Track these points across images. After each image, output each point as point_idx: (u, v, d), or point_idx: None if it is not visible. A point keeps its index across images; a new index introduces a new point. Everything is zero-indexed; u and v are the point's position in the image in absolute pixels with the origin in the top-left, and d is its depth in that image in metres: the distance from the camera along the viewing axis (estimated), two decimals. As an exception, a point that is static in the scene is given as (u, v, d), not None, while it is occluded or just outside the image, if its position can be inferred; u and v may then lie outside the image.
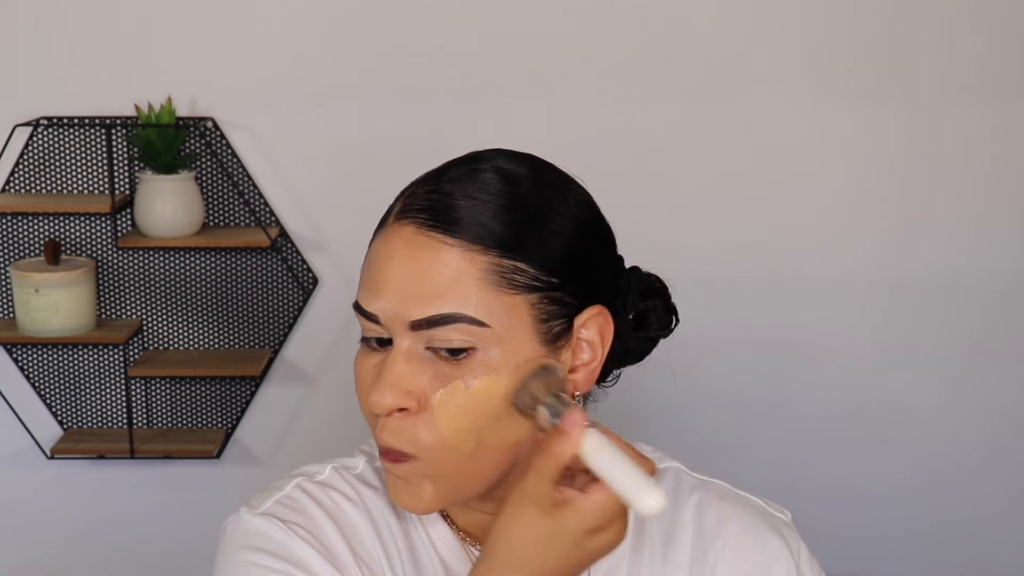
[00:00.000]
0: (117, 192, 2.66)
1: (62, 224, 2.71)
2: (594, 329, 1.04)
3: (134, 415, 2.79)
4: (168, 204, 2.59)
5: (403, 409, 0.99)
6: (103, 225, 2.71)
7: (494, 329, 0.98)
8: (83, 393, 2.80)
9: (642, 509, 0.86)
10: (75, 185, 2.69)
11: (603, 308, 1.04)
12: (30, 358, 2.78)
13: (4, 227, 2.71)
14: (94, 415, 2.81)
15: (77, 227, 2.72)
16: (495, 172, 1.03)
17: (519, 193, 1.02)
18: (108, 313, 2.76)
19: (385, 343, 1.02)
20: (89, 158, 2.69)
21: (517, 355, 0.99)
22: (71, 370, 2.79)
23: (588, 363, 1.04)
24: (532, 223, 1.01)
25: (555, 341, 1.02)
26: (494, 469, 1.02)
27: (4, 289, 2.73)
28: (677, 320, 1.13)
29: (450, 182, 1.02)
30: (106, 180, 2.68)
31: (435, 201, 1.00)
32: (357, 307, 1.03)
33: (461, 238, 0.99)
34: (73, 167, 2.69)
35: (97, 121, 2.62)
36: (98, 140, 2.67)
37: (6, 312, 2.75)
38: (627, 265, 1.11)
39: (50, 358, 2.78)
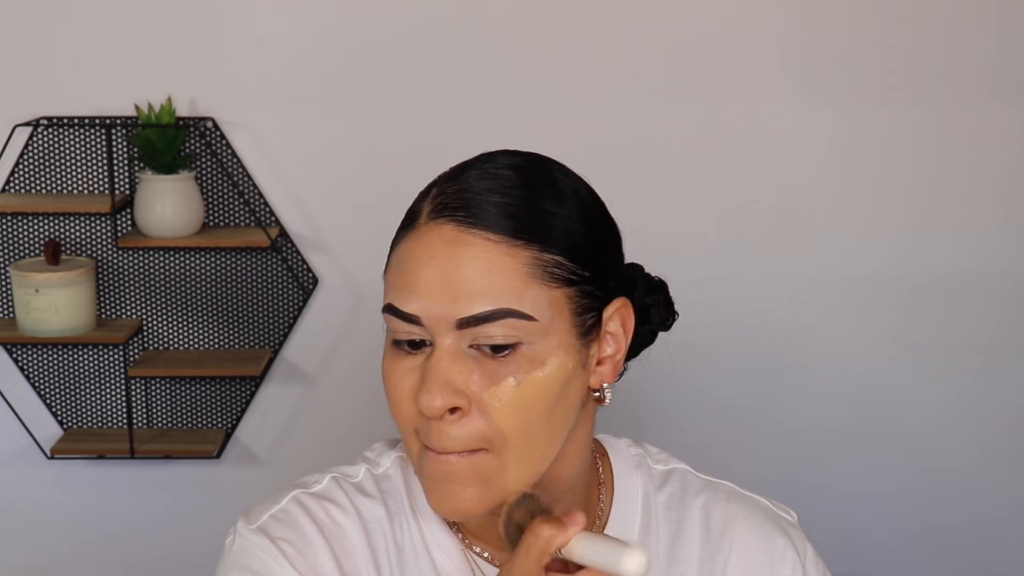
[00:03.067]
0: (117, 192, 2.66)
1: (62, 224, 2.71)
2: (618, 321, 1.06)
3: (134, 415, 2.79)
4: (168, 204, 2.58)
5: (455, 409, 0.99)
6: (103, 225, 2.71)
7: (540, 323, 0.99)
8: (83, 393, 2.80)
9: (626, 567, 0.89)
10: (75, 185, 2.69)
11: (626, 300, 1.06)
12: (30, 358, 2.77)
13: (4, 227, 2.71)
14: (94, 415, 2.81)
15: (77, 227, 2.72)
16: (513, 169, 1.04)
17: (546, 188, 1.03)
18: (108, 313, 2.76)
19: (418, 345, 1.01)
20: (89, 158, 2.68)
21: (560, 347, 1.00)
22: (71, 370, 2.79)
23: (613, 355, 1.06)
24: (563, 218, 1.02)
25: (588, 334, 1.03)
26: (543, 463, 1.03)
27: (4, 289, 2.73)
28: (676, 315, 1.15)
29: (479, 179, 1.02)
30: (106, 180, 2.68)
31: (469, 199, 1.01)
32: (391, 309, 1.01)
33: (503, 234, 0.99)
34: (73, 167, 2.68)
35: (97, 121, 2.62)
36: (98, 140, 2.67)
37: (6, 312, 2.74)
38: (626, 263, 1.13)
39: (50, 358, 2.78)
